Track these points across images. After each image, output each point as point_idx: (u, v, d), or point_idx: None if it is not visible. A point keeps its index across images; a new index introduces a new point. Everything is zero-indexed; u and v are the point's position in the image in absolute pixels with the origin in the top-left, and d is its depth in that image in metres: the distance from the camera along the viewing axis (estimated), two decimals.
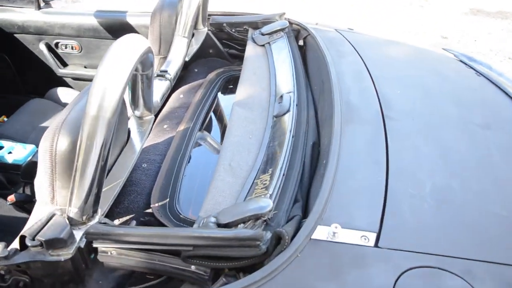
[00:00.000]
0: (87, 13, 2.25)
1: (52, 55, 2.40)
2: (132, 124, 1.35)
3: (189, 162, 1.44)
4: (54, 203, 1.05)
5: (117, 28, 2.23)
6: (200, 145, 1.57)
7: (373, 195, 1.02)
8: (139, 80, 1.21)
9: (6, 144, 1.85)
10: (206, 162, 1.51)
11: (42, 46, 2.37)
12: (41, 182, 1.03)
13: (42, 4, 2.31)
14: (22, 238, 0.95)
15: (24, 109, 2.22)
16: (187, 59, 1.81)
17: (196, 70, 2.03)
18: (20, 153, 1.80)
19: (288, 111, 1.38)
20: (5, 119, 2.59)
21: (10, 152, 1.82)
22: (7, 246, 0.96)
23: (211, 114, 1.74)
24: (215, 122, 1.73)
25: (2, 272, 0.96)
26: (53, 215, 0.99)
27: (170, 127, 1.62)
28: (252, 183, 1.13)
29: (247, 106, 1.47)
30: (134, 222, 1.06)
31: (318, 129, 1.37)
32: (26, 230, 0.96)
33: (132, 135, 1.33)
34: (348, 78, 1.50)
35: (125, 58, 0.98)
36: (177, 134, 1.55)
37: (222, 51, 2.11)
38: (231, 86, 1.91)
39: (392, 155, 1.14)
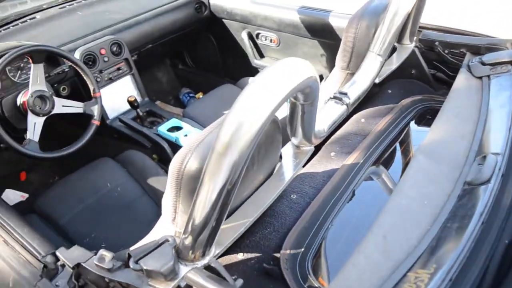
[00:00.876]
0: (290, 8, 2.15)
1: (252, 45, 2.41)
2: (287, 150, 1.19)
3: (344, 206, 1.21)
4: (175, 224, 0.98)
5: (317, 28, 2.08)
6: (366, 188, 1.32)
7: None
8: (299, 110, 1.03)
9: (186, 126, 1.93)
10: (366, 212, 1.25)
11: (244, 35, 2.39)
12: (167, 199, 0.98)
13: None
14: (129, 256, 0.91)
15: (215, 92, 2.29)
16: (377, 81, 1.55)
17: (389, 91, 1.74)
18: None
19: (487, 181, 1.01)
20: (201, 96, 2.76)
21: (186, 135, 1.89)
22: (115, 257, 0.94)
23: (392, 151, 1.46)
24: (393, 164, 1.45)
25: (107, 279, 0.94)
26: (165, 241, 0.91)
27: (338, 156, 1.40)
28: (403, 275, 0.86)
29: (434, 157, 1.15)
30: (240, 282, 0.90)
31: None
32: (135, 249, 0.92)
33: (284, 161, 1.17)
34: None
35: (277, 86, 0.80)
36: (342, 167, 1.33)
37: (427, 74, 1.77)
38: (426, 121, 1.58)
39: None
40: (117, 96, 2.05)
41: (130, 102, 1.93)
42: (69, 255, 0.96)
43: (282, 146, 1.15)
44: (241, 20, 2.35)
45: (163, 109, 2.12)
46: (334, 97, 1.35)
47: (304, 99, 0.97)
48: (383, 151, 1.42)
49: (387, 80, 1.75)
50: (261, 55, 2.45)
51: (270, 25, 2.25)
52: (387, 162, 1.45)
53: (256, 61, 2.42)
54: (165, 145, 1.87)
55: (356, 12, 1.56)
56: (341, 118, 1.34)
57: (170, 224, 0.98)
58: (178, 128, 1.93)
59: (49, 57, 1.68)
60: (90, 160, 1.91)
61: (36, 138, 1.57)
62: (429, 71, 1.78)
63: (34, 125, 1.57)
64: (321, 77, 2.27)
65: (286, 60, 0.85)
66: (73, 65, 1.69)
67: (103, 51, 1.96)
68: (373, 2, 1.57)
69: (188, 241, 0.88)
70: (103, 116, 1.98)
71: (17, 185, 2.18)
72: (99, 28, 2.02)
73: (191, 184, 0.88)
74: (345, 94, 1.36)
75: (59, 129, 2.15)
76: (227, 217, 0.99)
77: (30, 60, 1.56)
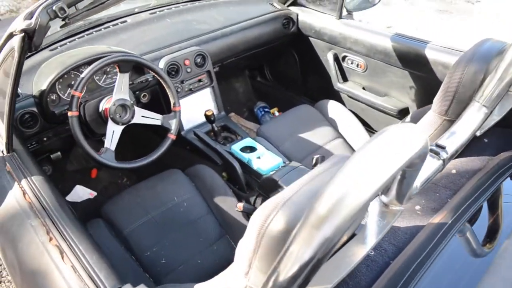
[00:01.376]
0: (383, 34, 2.02)
1: (336, 67, 2.30)
2: (373, 207, 1.08)
3: (429, 273, 1.08)
4: (247, 279, 0.91)
5: (410, 58, 1.93)
6: (454, 253, 1.18)
7: None
8: (398, 175, 0.92)
9: (260, 148, 1.87)
10: (453, 283, 1.11)
11: (330, 56, 2.29)
12: (243, 248, 0.91)
13: (344, 13, 2.21)
14: None
15: (292, 112, 2.21)
16: (478, 133, 1.39)
17: (485, 140, 1.57)
18: (266, 163, 1.78)
19: None
20: (276, 112, 2.69)
21: (258, 157, 1.83)
22: None
23: (485, 213, 1.30)
24: (486, 229, 1.29)
25: None
26: None
27: (423, 212, 1.26)
28: None
29: None
30: None
31: None
32: None
33: (369, 220, 1.06)
34: None
35: (388, 160, 0.71)
36: (428, 226, 1.20)
37: None
38: None
39: None
40: (195, 108, 2.03)
41: (207, 116, 1.90)
42: None
43: None
44: (329, 41, 2.24)
45: (237, 125, 2.07)
46: (431, 150, 1.21)
47: (408, 166, 0.86)
48: (475, 212, 1.26)
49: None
50: (345, 79, 2.33)
51: (359, 49, 2.12)
52: (478, 225, 1.30)
53: (339, 84, 2.31)
54: (236, 165, 1.82)
55: (464, 54, 1.41)
56: (434, 175, 1.20)
57: (242, 277, 0.91)
58: (251, 149, 1.87)
59: (135, 66, 1.68)
60: (160, 167, 1.90)
61: (113, 147, 1.58)
62: None
63: (113, 133, 1.58)
64: (407, 111, 2.11)
65: (399, 129, 0.75)
66: (157, 77, 1.68)
67: (187, 62, 1.94)
68: (485, 44, 1.41)
69: None
70: (179, 127, 1.96)
71: (88, 182, 2.23)
72: (186, 38, 2.01)
73: (272, 244, 0.80)
74: (443, 148, 1.22)
75: (134, 136, 2.18)
76: None
77: (117, 69, 1.56)
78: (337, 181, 0.68)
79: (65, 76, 1.66)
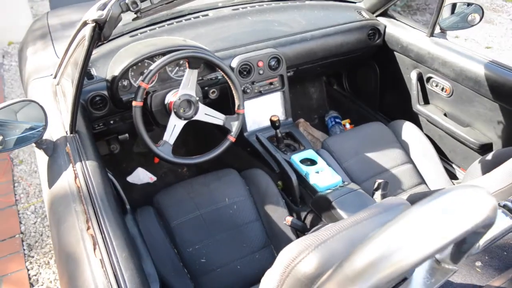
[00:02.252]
0: (477, 59, 1.83)
1: (419, 87, 2.14)
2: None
3: None
4: None
5: (504, 90, 1.74)
6: None
7: None
8: None
9: (320, 163, 1.79)
10: None
11: (414, 74, 2.13)
12: (267, 280, 0.86)
13: (437, 31, 2.03)
14: None
15: (362, 128, 2.10)
16: None
17: None
18: (324, 180, 1.70)
19: None
20: (348, 124, 2.58)
21: (317, 172, 1.75)
22: None
23: None
24: None
25: None
26: None
27: (485, 270, 1.12)
28: None
29: None
30: None
31: None
32: None
33: (414, 276, 0.95)
34: None
35: (445, 227, 0.62)
36: (489, 286, 1.07)
37: None
38: None
39: None
40: (262, 110, 2.00)
41: (272, 121, 1.85)
42: None
43: None
44: (415, 58, 2.09)
45: (302, 134, 2.00)
46: (504, 206, 1.07)
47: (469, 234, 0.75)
48: None
49: None
50: (426, 101, 2.17)
51: (447, 72, 1.95)
52: None
53: (418, 106, 2.14)
54: (293, 177, 1.76)
55: None
56: (503, 235, 1.06)
57: None
58: (312, 162, 1.80)
59: (205, 62, 1.67)
60: (219, 164, 1.89)
61: (172, 140, 1.59)
62: None
63: (174, 127, 1.59)
64: (490, 146, 1.91)
65: (466, 191, 0.65)
66: (225, 77, 1.66)
67: (260, 64, 1.90)
68: None
69: None
70: (242, 127, 1.94)
71: (150, 166, 2.29)
72: (263, 39, 1.97)
73: (297, 285, 0.75)
74: None
75: (198, 130, 2.19)
76: None
77: (187, 65, 1.56)
78: (384, 236, 0.61)
79: (139, 64, 1.69)
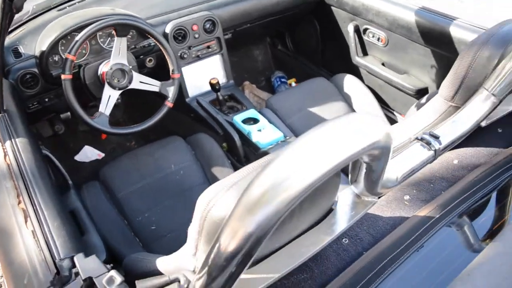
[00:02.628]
0: (408, 7, 1.87)
1: (357, 40, 2.17)
2: (345, 196, 1.01)
3: (405, 268, 1.02)
4: (195, 258, 0.89)
5: (435, 35, 1.78)
6: (438, 250, 1.10)
7: None
8: (363, 168, 0.85)
9: (262, 121, 1.81)
10: (430, 281, 1.04)
11: (351, 27, 2.15)
12: (191, 229, 0.88)
13: None
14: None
15: (305, 84, 2.13)
16: (483, 124, 1.26)
17: (499, 130, 1.44)
18: (266, 136, 1.73)
19: None
20: (293, 83, 2.60)
21: (259, 130, 1.77)
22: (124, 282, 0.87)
23: (484, 210, 1.20)
24: (480, 227, 1.19)
25: None
26: (175, 280, 0.82)
27: (412, 202, 1.18)
28: None
29: None
30: None
31: None
32: (144, 282, 0.85)
33: (338, 209, 1.00)
34: None
35: (337, 148, 0.64)
36: (414, 217, 1.12)
37: None
38: None
39: None
40: (202, 75, 1.99)
41: (211, 85, 1.85)
42: (85, 265, 0.92)
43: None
44: (351, 11, 2.11)
45: (244, 95, 2.01)
46: (422, 139, 1.11)
47: (370, 160, 0.79)
48: (472, 208, 1.17)
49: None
50: (365, 53, 2.20)
51: (381, 22, 1.98)
52: (474, 222, 1.20)
53: (357, 58, 2.18)
54: (236, 137, 1.77)
55: (479, 36, 1.28)
56: (422, 166, 1.11)
57: (191, 257, 0.89)
58: (254, 120, 1.82)
59: (138, 30, 1.64)
60: (165, 133, 1.89)
61: (108, 111, 1.57)
62: None
63: (108, 98, 1.57)
64: (426, 90, 1.98)
65: (357, 118, 0.68)
66: (156, 42, 1.63)
67: (195, 27, 1.88)
68: (505, 26, 1.27)
69: (199, 285, 0.78)
70: (183, 93, 1.93)
71: (98, 143, 2.26)
72: (197, 2, 1.94)
73: (214, 228, 0.77)
74: (437, 138, 1.11)
75: (139, 101, 2.16)
76: (255, 264, 0.88)
77: (114, 33, 1.53)
78: (277, 162, 0.63)
79: (68, 37, 1.65)
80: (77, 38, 1.47)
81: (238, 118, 1.80)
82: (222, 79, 2.02)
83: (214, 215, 0.76)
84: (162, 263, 1.04)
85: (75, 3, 1.83)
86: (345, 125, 0.66)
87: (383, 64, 2.11)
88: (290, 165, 0.61)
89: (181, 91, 1.93)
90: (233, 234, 0.64)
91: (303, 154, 0.62)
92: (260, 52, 2.74)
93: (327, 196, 0.90)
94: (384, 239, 1.07)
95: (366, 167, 0.83)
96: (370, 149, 0.68)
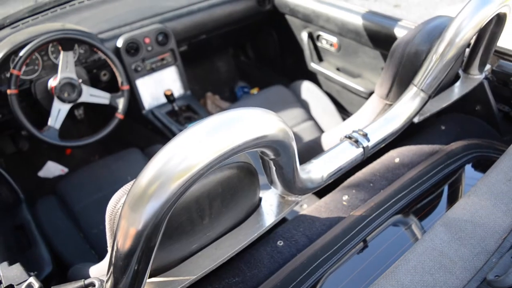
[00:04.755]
0: (355, 11, 1.91)
1: (311, 46, 2.21)
2: (269, 197, 1.02)
3: (337, 268, 1.03)
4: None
5: (381, 38, 1.83)
6: (377, 245, 1.11)
7: None
8: (272, 165, 0.86)
9: None
10: (363, 277, 1.05)
11: (304, 34, 2.20)
12: (107, 231, 0.89)
13: None
14: None
15: (263, 93, 2.16)
16: (416, 120, 1.29)
17: (442, 127, 1.47)
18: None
19: None
20: (255, 92, 2.63)
21: None
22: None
23: (421, 206, 1.21)
24: (416, 226, 1.20)
25: None
26: (89, 285, 0.83)
27: (350, 202, 1.19)
28: None
29: (458, 233, 0.91)
30: None
31: None
32: (59, 287, 0.85)
33: (264, 209, 1.01)
34: None
35: (215, 143, 0.65)
36: (350, 217, 1.13)
37: (494, 113, 1.45)
38: (474, 176, 1.31)
39: None
40: (158, 87, 2.01)
41: (166, 96, 1.88)
42: (8, 273, 0.92)
43: None
44: (303, 19, 2.15)
45: (200, 106, 2.04)
46: (350, 137, 1.13)
47: (274, 155, 0.80)
48: (408, 206, 1.19)
49: (444, 112, 1.48)
50: (320, 59, 2.24)
51: (331, 27, 2.03)
52: (409, 220, 1.22)
53: (312, 65, 2.22)
54: None
55: (407, 33, 1.32)
56: (351, 164, 1.12)
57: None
58: None
59: (89, 45, 1.66)
60: (124, 145, 1.90)
61: (58, 125, 1.58)
62: (498, 110, 1.47)
63: (58, 112, 1.58)
64: None
65: (250, 112, 0.70)
66: (101, 54, 1.66)
67: (147, 40, 1.91)
68: (433, 22, 1.30)
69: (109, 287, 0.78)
70: (140, 106, 1.95)
71: (61, 158, 2.26)
72: (149, 16, 1.97)
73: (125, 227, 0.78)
74: (365, 135, 1.13)
75: (99, 117, 2.18)
76: (172, 267, 0.88)
77: (60, 47, 1.55)
78: (160, 157, 0.64)
79: (18, 53, 1.66)
80: (21, 53, 1.49)
81: None
82: (179, 90, 2.04)
83: (121, 216, 0.76)
84: (94, 269, 1.05)
85: (28, 21, 1.85)
86: (230, 118, 0.68)
87: (338, 69, 2.15)
88: (168, 159, 0.62)
89: (138, 103, 1.95)
90: (125, 232, 0.65)
91: (184, 147, 0.63)
92: (223, 63, 2.77)
93: (244, 196, 0.90)
94: (318, 240, 1.08)
95: (274, 164, 0.84)
96: (259, 142, 0.69)
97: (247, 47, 2.71)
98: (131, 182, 0.80)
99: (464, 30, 1.16)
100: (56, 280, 1.40)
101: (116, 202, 0.78)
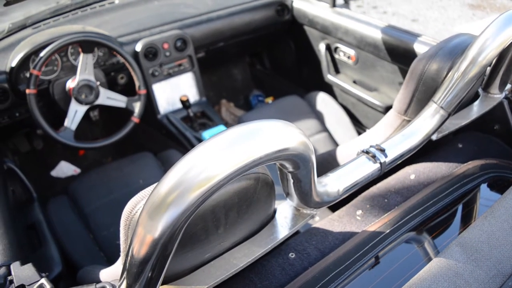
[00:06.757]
0: (374, 24, 1.91)
1: (328, 58, 2.21)
2: (284, 210, 1.02)
3: (346, 282, 1.01)
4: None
5: (400, 52, 1.82)
6: (391, 262, 1.09)
7: None
8: (290, 178, 0.85)
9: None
10: None
11: (322, 46, 2.19)
12: (121, 239, 0.89)
13: (341, 2, 2.10)
14: None
15: (278, 102, 2.15)
16: (434, 137, 1.28)
17: (460, 145, 1.45)
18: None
19: None
20: (271, 101, 2.63)
21: None
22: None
23: (437, 224, 1.19)
24: (431, 245, 1.18)
25: None
26: None
27: (364, 217, 1.18)
28: None
29: (474, 254, 0.90)
30: None
31: None
32: None
33: (278, 221, 1.00)
34: None
35: (235, 154, 0.64)
36: (363, 232, 1.12)
37: None
38: (491, 197, 1.28)
39: None
40: (174, 92, 2.02)
41: (182, 101, 1.88)
42: (20, 273, 0.93)
43: None
44: (321, 30, 2.15)
45: (215, 112, 2.04)
46: (367, 152, 1.12)
47: (293, 168, 0.79)
48: (423, 223, 1.17)
49: (462, 130, 1.46)
50: (337, 71, 2.24)
51: (350, 40, 2.02)
52: (424, 238, 1.20)
53: (329, 76, 2.21)
54: None
55: (429, 49, 1.30)
56: (367, 179, 1.11)
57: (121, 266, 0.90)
58: None
59: (108, 48, 1.68)
60: (138, 149, 1.91)
61: (74, 126, 1.59)
62: None
63: (75, 113, 1.59)
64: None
65: (272, 124, 0.69)
66: (121, 58, 1.67)
67: (165, 46, 1.92)
68: (455, 39, 1.29)
69: None
70: (155, 110, 1.96)
71: (74, 158, 2.28)
72: (169, 21, 1.99)
73: (141, 232, 0.78)
74: (383, 150, 1.12)
75: (114, 119, 2.19)
76: (184, 275, 0.88)
77: (80, 49, 1.57)
78: (181, 165, 0.63)
79: (38, 53, 1.68)
80: (41, 54, 1.51)
81: (206, 134, 1.83)
82: (194, 96, 2.05)
83: (138, 221, 0.76)
84: (105, 273, 1.05)
85: (49, 22, 1.87)
86: (251, 130, 0.67)
87: (354, 82, 2.14)
88: (189, 169, 0.62)
89: (153, 107, 1.96)
90: (141, 239, 0.65)
91: (204, 157, 0.63)
92: (239, 71, 2.78)
93: (259, 207, 0.90)
94: (330, 254, 1.06)
95: (292, 177, 0.84)
96: (279, 155, 0.69)
97: (264, 56, 2.71)
98: (149, 188, 0.79)
99: (487, 49, 1.15)
100: (64, 280, 1.40)
101: (133, 207, 0.78)
